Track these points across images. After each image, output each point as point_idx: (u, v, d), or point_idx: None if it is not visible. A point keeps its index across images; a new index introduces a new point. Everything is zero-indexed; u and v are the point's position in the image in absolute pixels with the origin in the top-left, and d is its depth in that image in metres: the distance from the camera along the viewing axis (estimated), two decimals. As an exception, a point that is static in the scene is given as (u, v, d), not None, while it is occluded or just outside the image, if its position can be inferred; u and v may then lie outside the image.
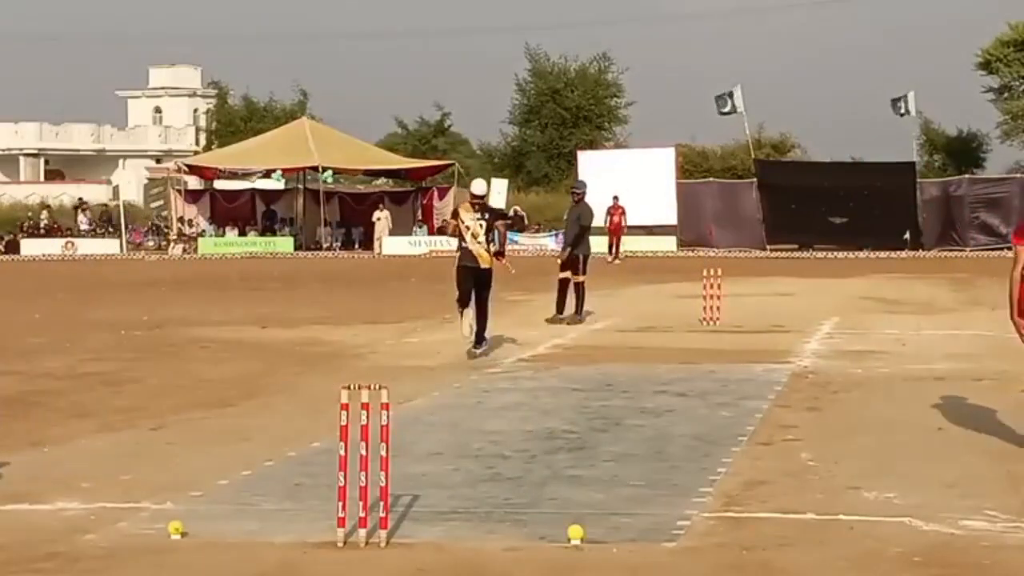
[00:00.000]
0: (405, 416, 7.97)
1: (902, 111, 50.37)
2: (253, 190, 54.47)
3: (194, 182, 56.41)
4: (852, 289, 27.33)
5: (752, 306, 21.94)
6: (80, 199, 57.52)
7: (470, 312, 16.12)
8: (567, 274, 20.66)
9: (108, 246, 51.38)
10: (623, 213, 44.55)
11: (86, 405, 13.11)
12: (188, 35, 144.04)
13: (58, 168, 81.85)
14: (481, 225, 16.05)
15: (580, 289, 20.74)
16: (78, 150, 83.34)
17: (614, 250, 43.27)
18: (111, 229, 53.22)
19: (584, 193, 21.31)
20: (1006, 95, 61.27)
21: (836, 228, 45.11)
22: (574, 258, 20.71)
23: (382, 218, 51.27)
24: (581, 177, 50.10)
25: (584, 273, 20.76)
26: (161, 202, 56.15)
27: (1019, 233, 10.32)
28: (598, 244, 46.36)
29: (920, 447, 10.53)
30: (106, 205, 57.01)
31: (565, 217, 20.95)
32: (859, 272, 32.97)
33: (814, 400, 12.90)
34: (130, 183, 59.15)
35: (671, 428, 11.40)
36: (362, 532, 7.72)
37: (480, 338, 16.24)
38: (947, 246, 45.03)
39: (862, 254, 43.43)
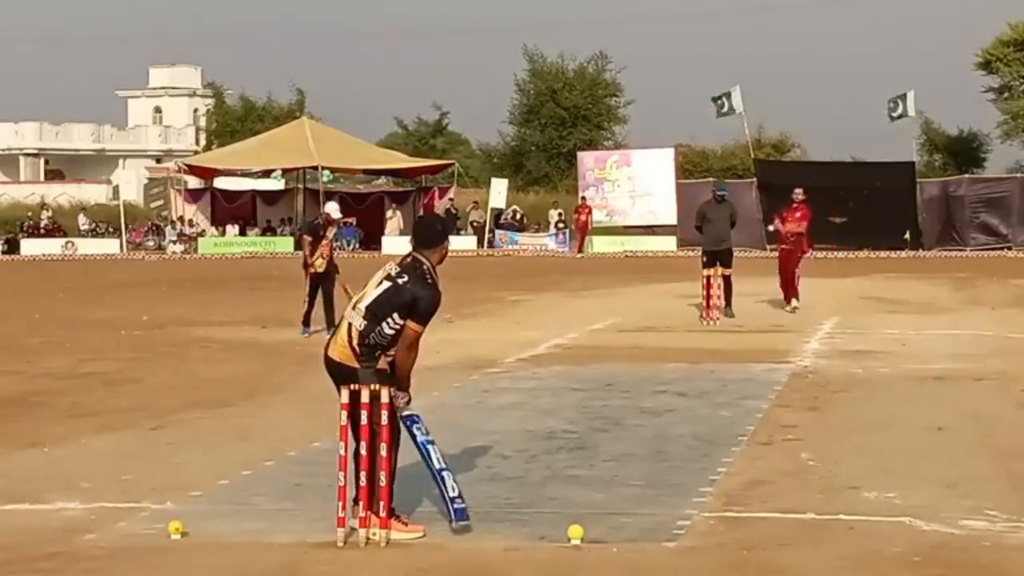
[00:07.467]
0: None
1: (897, 113, 50.31)
2: (253, 190, 54.41)
3: (194, 182, 56.39)
4: (852, 289, 27.32)
5: (752, 306, 21.94)
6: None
7: None
8: (711, 271, 20.79)
9: (108, 246, 51.34)
10: (589, 212, 48.54)
11: (86, 405, 13.11)
12: (188, 35, 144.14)
13: (58, 168, 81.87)
14: None
15: (730, 282, 20.99)
16: (78, 150, 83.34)
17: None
18: (111, 230, 53.19)
19: (727, 194, 21.94)
20: (1006, 95, 61.22)
21: (836, 228, 45.07)
22: (726, 252, 20.96)
23: (394, 217, 51.19)
24: (582, 175, 50.53)
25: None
26: (161, 202, 56.11)
27: None
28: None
29: (920, 447, 10.53)
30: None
31: (706, 216, 20.99)
32: (859, 272, 32.95)
33: (814, 400, 12.90)
34: (130, 183, 59.00)
35: (671, 428, 11.40)
36: (362, 532, 7.73)
37: None
38: (947, 246, 44.98)
39: (862, 254, 43.43)
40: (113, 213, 54.65)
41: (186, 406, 12.86)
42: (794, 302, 21.59)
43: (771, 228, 22.46)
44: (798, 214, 22.07)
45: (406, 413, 7.97)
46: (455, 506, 7.91)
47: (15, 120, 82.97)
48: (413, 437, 7.99)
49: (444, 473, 7.97)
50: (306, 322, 19.23)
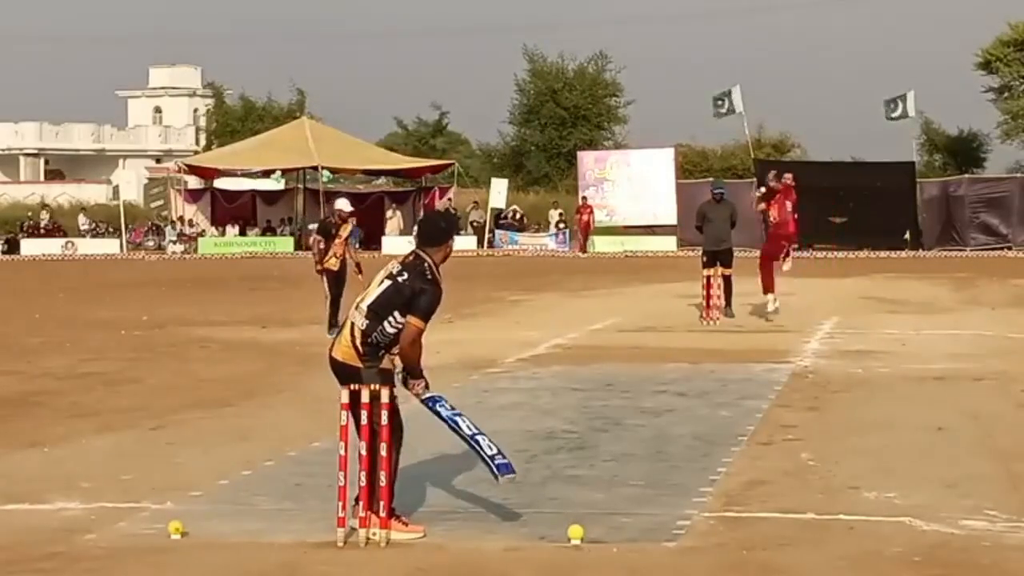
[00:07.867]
0: (405, 416, 7.97)
1: (895, 113, 50.31)
2: (253, 190, 54.42)
3: (194, 182, 56.40)
4: (852, 289, 27.32)
5: (752, 306, 21.93)
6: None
7: None
8: (711, 271, 20.69)
9: (108, 246, 51.34)
10: (591, 212, 48.83)
11: (86, 405, 13.11)
12: (188, 35, 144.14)
13: (58, 168, 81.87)
14: None
15: (730, 282, 20.93)
16: (78, 150, 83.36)
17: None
18: (111, 230, 53.19)
19: (725, 192, 21.85)
20: (1006, 95, 61.20)
21: (836, 228, 45.10)
22: (726, 252, 20.90)
23: (394, 217, 51.15)
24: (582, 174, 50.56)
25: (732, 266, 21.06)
26: (161, 202, 56.12)
27: None
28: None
29: (920, 447, 10.53)
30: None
31: (706, 216, 20.89)
32: (859, 272, 32.96)
33: (814, 400, 12.89)
34: (130, 183, 58.99)
35: (671, 428, 11.40)
36: (362, 532, 7.73)
37: None
38: (947, 246, 44.97)
39: (862, 254, 43.42)
40: (113, 213, 54.66)
41: (186, 406, 12.86)
42: (771, 298, 20.59)
43: (770, 183, 21.56)
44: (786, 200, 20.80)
45: (426, 396, 7.93)
46: (496, 463, 7.77)
47: (15, 120, 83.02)
48: (438, 415, 7.91)
49: (478, 437, 7.83)
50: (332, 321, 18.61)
